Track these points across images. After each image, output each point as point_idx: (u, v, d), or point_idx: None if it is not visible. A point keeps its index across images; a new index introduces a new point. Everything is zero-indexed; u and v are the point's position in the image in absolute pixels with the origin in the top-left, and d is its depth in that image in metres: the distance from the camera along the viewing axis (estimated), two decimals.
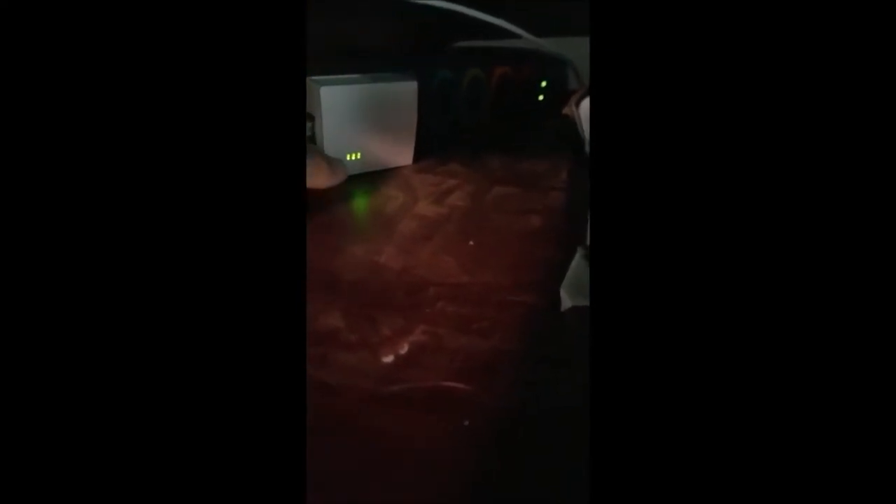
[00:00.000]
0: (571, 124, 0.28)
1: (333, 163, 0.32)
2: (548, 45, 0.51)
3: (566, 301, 0.22)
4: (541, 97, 0.57)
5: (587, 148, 0.25)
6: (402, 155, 0.39)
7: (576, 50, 0.53)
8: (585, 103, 0.27)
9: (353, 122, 0.35)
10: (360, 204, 0.33)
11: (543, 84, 0.56)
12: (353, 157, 0.36)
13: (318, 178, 0.31)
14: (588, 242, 0.23)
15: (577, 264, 0.23)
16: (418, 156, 0.40)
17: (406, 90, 0.37)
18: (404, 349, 0.19)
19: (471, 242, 0.28)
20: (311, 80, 0.33)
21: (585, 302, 0.21)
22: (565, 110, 0.30)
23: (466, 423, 0.16)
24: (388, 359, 0.19)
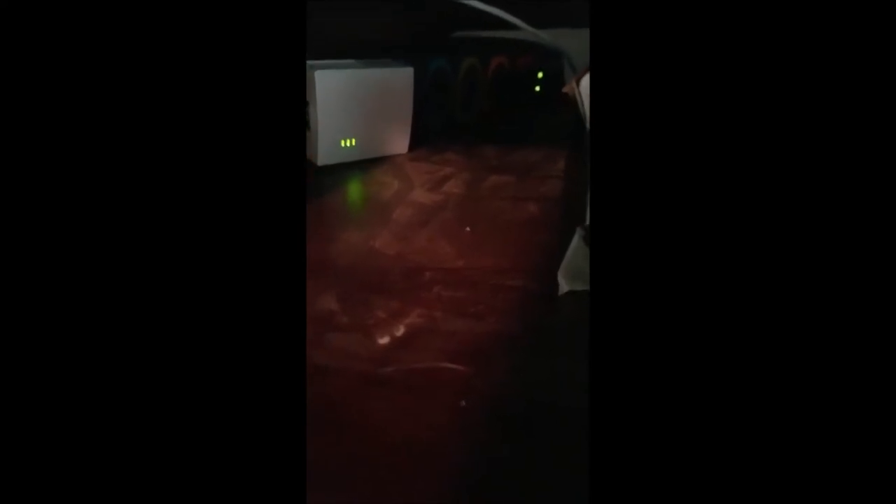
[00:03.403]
0: (571, 105, 0.28)
1: None
2: (545, 36, 0.51)
3: (563, 286, 0.21)
4: (537, 88, 0.57)
5: (587, 125, 0.25)
6: (397, 142, 0.39)
7: (573, 42, 0.53)
8: (586, 80, 0.27)
9: (349, 108, 0.34)
10: (356, 191, 0.33)
11: (540, 75, 0.56)
12: (348, 144, 0.36)
13: None
14: (587, 223, 0.23)
15: (575, 249, 0.23)
16: (414, 144, 0.40)
17: (401, 76, 0.36)
18: (399, 331, 0.19)
19: (467, 228, 0.27)
20: (306, 64, 0.33)
21: (582, 287, 0.21)
22: (565, 88, 0.30)
23: (463, 403, 0.16)
24: (383, 340, 0.18)
